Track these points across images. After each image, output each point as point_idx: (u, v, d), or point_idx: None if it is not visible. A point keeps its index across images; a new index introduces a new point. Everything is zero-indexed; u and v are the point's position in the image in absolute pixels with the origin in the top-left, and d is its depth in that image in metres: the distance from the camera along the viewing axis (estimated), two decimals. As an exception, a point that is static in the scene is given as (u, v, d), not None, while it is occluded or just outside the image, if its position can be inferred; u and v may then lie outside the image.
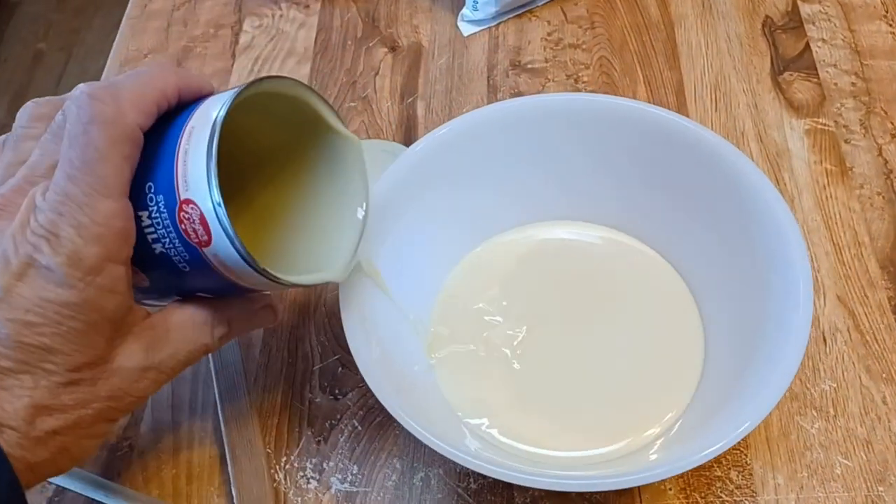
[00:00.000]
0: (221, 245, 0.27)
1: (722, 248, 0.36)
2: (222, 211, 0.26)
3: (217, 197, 0.26)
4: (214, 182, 0.26)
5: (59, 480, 0.37)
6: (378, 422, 0.38)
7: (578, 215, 0.40)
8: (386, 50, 0.53)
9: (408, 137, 0.49)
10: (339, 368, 0.40)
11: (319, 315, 0.42)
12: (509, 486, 0.35)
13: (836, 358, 0.38)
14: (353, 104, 0.50)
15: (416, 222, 0.37)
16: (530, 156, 0.38)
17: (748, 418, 0.28)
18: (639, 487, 0.35)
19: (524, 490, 0.35)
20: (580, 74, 0.50)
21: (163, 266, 0.29)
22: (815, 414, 0.37)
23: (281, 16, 0.56)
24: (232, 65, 0.53)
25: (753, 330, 0.33)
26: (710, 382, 0.35)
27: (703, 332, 0.36)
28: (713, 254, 0.36)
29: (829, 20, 0.50)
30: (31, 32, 1.72)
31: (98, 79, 0.41)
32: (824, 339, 0.39)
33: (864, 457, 0.36)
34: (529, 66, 0.51)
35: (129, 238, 0.27)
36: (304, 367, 0.40)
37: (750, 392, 0.30)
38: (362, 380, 0.39)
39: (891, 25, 0.50)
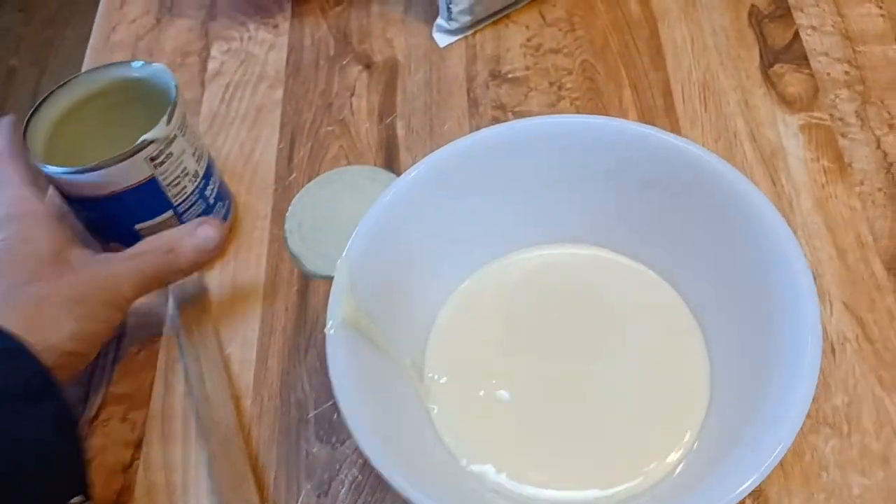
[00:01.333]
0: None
1: (725, 273, 0.34)
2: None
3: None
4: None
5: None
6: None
7: (574, 237, 0.38)
8: (360, 67, 0.51)
9: (389, 160, 0.47)
10: (335, 415, 0.39)
11: (311, 358, 0.40)
12: (518, 532, 0.34)
13: (847, 370, 0.37)
14: (330, 128, 0.49)
15: (403, 261, 0.36)
16: (522, 180, 0.37)
17: (758, 466, 0.27)
18: (652, 523, 0.34)
19: (534, 534, 0.34)
20: (563, 81, 0.48)
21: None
22: (829, 431, 0.36)
23: (250, 38, 0.54)
24: (202, 94, 0.51)
25: (761, 360, 0.31)
26: (721, 406, 0.33)
27: (709, 359, 0.35)
28: (716, 278, 0.35)
29: (817, 5, 0.49)
30: (1, 48, 1.68)
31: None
32: (833, 351, 0.37)
33: (881, 474, 0.34)
34: (510, 75, 0.49)
35: None
36: (298, 416, 0.39)
37: (766, 425, 0.28)
38: (359, 426, 0.38)
39: (881, 7, 0.48)
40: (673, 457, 0.33)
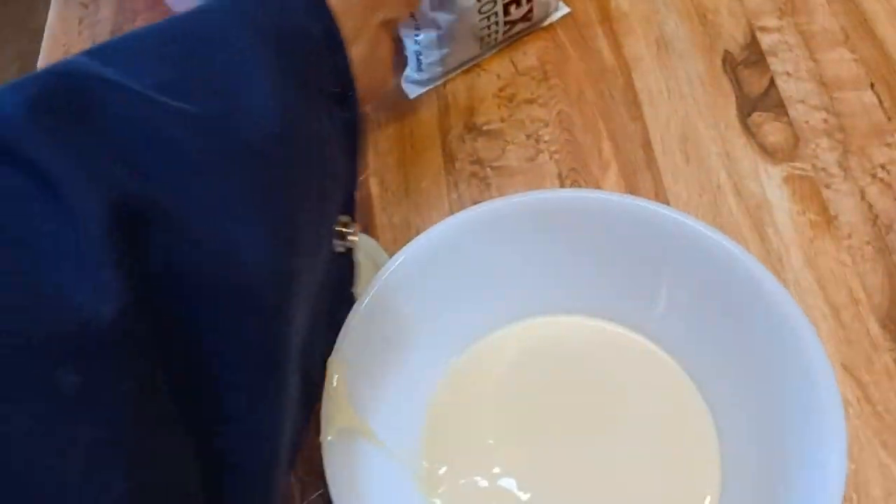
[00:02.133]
0: None
1: (736, 356, 0.33)
2: None
3: None
4: None
5: None
6: (375, 568, 0.34)
7: (571, 308, 0.37)
8: (327, 122, 0.49)
9: (365, 220, 0.45)
10: (324, 506, 0.36)
11: (293, 444, 0.38)
12: None
13: (851, 436, 0.36)
14: (299, 188, 0.46)
15: (394, 349, 0.34)
16: (518, 254, 0.35)
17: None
18: None
19: None
20: (540, 133, 0.47)
21: None
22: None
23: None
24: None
25: (776, 457, 0.30)
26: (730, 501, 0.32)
27: (719, 445, 0.34)
28: (726, 360, 0.34)
29: (790, 50, 0.48)
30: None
31: None
32: (835, 414, 0.37)
33: (894, 545, 0.34)
34: (485, 127, 0.47)
35: None
36: (284, 510, 0.36)
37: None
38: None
39: (853, 52, 0.48)
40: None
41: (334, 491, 0.28)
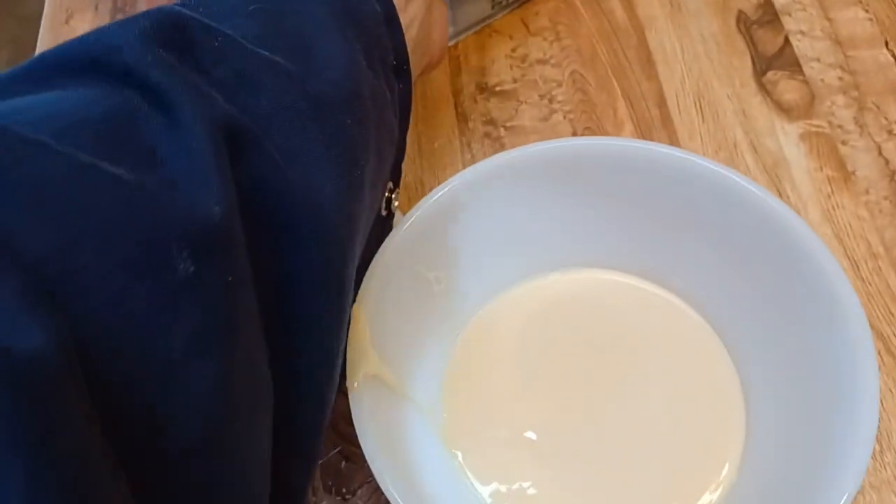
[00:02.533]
0: None
1: (762, 305, 0.33)
2: None
3: None
4: None
5: None
6: (397, 521, 0.34)
7: (594, 261, 0.37)
8: (338, 83, 0.48)
9: (376, 181, 0.44)
10: (343, 462, 0.36)
11: (311, 401, 0.38)
12: (554, 580, 0.32)
13: (873, 386, 0.36)
14: (310, 149, 0.46)
15: (417, 297, 0.34)
16: (544, 204, 0.35)
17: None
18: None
19: (570, 582, 0.32)
20: (553, 94, 0.46)
21: None
22: (860, 451, 0.35)
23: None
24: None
25: (804, 406, 0.30)
26: (753, 468, 0.32)
27: (744, 396, 0.33)
28: (752, 309, 0.33)
29: (804, 9, 0.48)
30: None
31: None
32: (856, 367, 0.36)
33: (917, 493, 0.34)
34: (498, 88, 0.47)
35: None
36: (303, 466, 0.36)
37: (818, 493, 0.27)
38: (370, 473, 0.35)
39: (867, 11, 0.47)
40: (708, 497, 0.32)
41: (361, 434, 0.28)
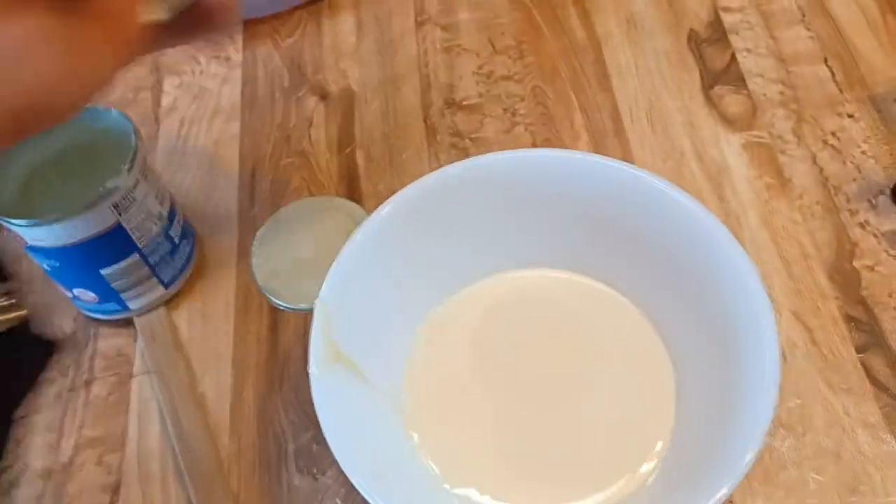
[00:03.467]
0: None
1: (689, 295, 0.36)
2: None
3: None
4: None
5: None
6: (362, 499, 0.37)
7: (543, 262, 0.40)
8: (316, 98, 0.52)
9: (351, 189, 0.48)
10: (315, 446, 0.39)
11: (286, 391, 0.41)
12: (502, 550, 0.36)
13: (798, 373, 0.39)
14: (290, 160, 0.49)
15: (378, 294, 0.37)
16: (490, 211, 0.38)
17: (725, 482, 0.29)
18: (628, 532, 0.36)
19: (517, 551, 0.35)
20: (516, 107, 0.50)
21: None
22: (785, 432, 0.38)
23: (202, 72, 0.54)
24: (157, 130, 0.51)
25: (725, 374, 0.33)
26: (686, 429, 0.35)
27: (675, 374, 0.37)
28: (681, 300, 0.37)
29: (751, 28, 0.51)
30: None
31: None
32: (784, 356, 0.40)
33: (834, 470, 0.37)
34: (465, 102, 0.50)
35: None
36: (277, 450, 0.39)
37: (723, 455, 0.30)
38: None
39: (809, 30, 0.51)
40: (646, 468, 0.35)
41: (322, 417, 0.31)
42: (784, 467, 0.37)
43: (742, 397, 0.31)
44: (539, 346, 0.39)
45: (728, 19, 0.52)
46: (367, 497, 0.30)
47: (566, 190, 0.38)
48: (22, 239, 0.37)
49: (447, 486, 0.35)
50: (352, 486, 0.38)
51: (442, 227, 0.38)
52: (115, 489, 0.39)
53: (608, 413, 0.37)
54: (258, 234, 0.46)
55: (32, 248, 0.38)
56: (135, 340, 0.43)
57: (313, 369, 0.32)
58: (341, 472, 0.38)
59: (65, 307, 0.45)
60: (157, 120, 0.52)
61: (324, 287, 0.34)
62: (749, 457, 0.29)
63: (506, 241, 0.40)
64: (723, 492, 0.29)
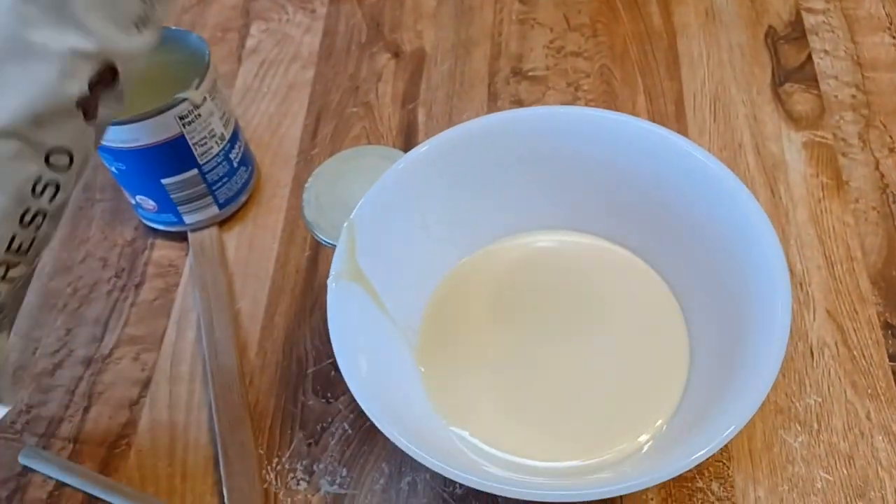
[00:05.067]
0: None
1: (706, 258, 0.36)
2: None
3: None
4: None
5: (57, 475, 0.38)
6: (368, 426, 0.39)
7: (566, 224, 0.40)
8: (389, 55, 0.53)
9: (408, 143, 0.49)
10: (332, 372, 0.41)
11: (315, 319, 0.43)
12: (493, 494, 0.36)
13: (823, 372, 0.38)
14: (354, 109, 0.51)
15: (408, 230, 0.38)
16: (522, 167, 0.39)
17: (724, 430, 0.29)
18: (621, 498, 0.36)
19: (508, 498, 0.36)
20: (581, 83, 0.50)
21: None
22: (799, 428, 0.37)
23: (288, 20, 0.56)
24: (238, 69, 0.54)
25: (735, 339, 0.33)
26: (693, 392, 0.35)
27: (689, 339, 0.37)
28: (698, 264, 0.37)
29: (832, 31, 0.50)
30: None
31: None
32: (812, 354, 0.39)
33: (845, 472, 0.36)
34: (531, 73, 0.51)
35: None
36: (297, 371, 0.41)
37: (728, 404, 0.30)
38: (354, 384, 0.40)
39: (894, 38, 0.49)
40: (643, 437, 0.35)
41: (332, 326, 0.33)
42: (793, 462, 0.36)
43: (752, 342, 0.31)
44: (554, 305, 0.39)
45: (810, 20, 0.51)
46: (358, 399, 0.31)
47: (591, 148, 0.38)
48: None
49: (443, 423, 0.36)
50: (360, 412, 0.39)
51: (474, 178, 0.39)
52: (146, 384, 0.41)
53: (616, 379, 0.37)
54: (314, 173, 0.48)
55: (103, 149, 0.41)
56: (185, 255, 0.46)
57: (332, 283, 0.34)
58: (352, 398, 0.40)
59: (128, 216, 0.48)
60: (239, 59, 0.55)
61: (355, 209, 0.35)
62: (758, 395, 0.29)
63: (532, 202, 0.40)
64: (730, 430, 0.28)
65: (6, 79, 0.23)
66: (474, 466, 0.33)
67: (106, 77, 0.26)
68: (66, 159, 0.26)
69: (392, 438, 0.30)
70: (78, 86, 0.25)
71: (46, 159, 0.25)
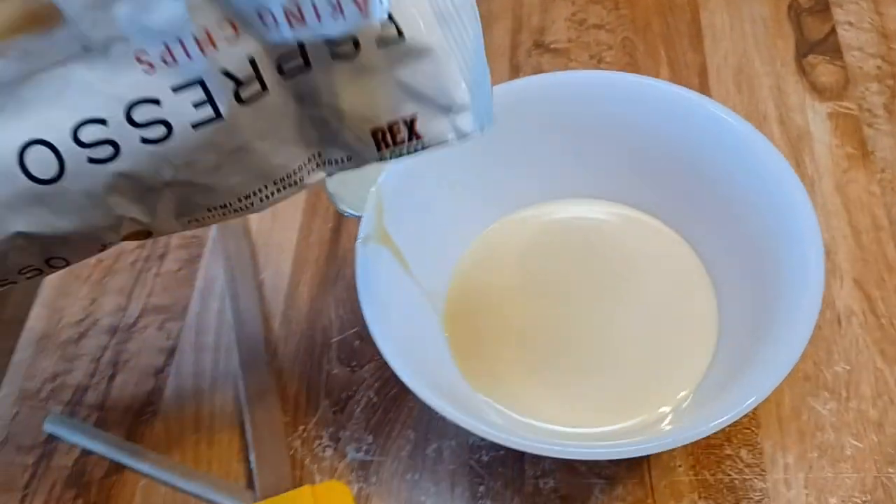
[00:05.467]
0: None
1: (736, 226, 0.36)
2: None
3: None
4: None
5: (84, 442, 0.39)
6: (393, 394, 0.39)
7: (594, 192, 0.40)
8: (410, 29, 0.53)
9: (429, 116, 0.49)
10: (357, 341, 0.41)
11: (339, 289, 0.43)
12: (520, 460, 0.36)
13: (851, 341, 0.38)
14: (376, 82, 0.51)
15: (435, 196, 0.38)
16: (549, 132, 0.39)
17: (753, 393, 0.29)
18: (648, 464, 0.36)
19: (535, 463, 0.36)
20: (603, 55, 0.50)
21: None
22: (828, 395, 0.37)
23: None
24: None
25: (766, 307, 0.33)
26: (723, 358, 0.35)
27: (718, 308, 0.37)
28: (728, 231, 0.36)
29: (856, 2, 0.50)
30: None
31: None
32: (839, 322, 0.39)
33: (874, 438, 0.36)
34: (553, 46, 0.51)
35: None
36: (322, 340, 0.41)
37: (759, 368, 0.30)
38: (379, 353, 0.40)
39: (920, 9, 0.49)
40: (666, 408, 0.35)
41: (361, 287, 0.33)
42: (822, 429, 0.36)
43: (784, 309, 0.31)
44: (581, 273, 0.39)
45: (834, -8, 0.51)
46: (388, 360, 0.31)
47: (621, 112, 0.38)
48: None
49: (470, 387, 0.36)
50: (385, 380, 0.39)
51: (501, 145, 0.38)
52: (171, 353, 0.42)
53: (647, 340, 0.37)
54: (336, 145, 0.48)
55: None
56: (209, 226, 0.46)
57: (360, 246, 0.33)
58: (378, 367, 0.40)
59: (150, 188, 0.48)
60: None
61: (382, 174, 0.35)
62: (780, 371, 0.29)
63: (561, 169, 0.40)
64: (751, 401, 0.28)
65: None
66: (503, 429, 0.33)
67: (140, 237, 0.27)
68: (63, 263, 0.27)
69: (424, 398, 0.30)
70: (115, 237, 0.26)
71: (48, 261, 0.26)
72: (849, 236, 0.41)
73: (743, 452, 0.36)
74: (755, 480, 0.35)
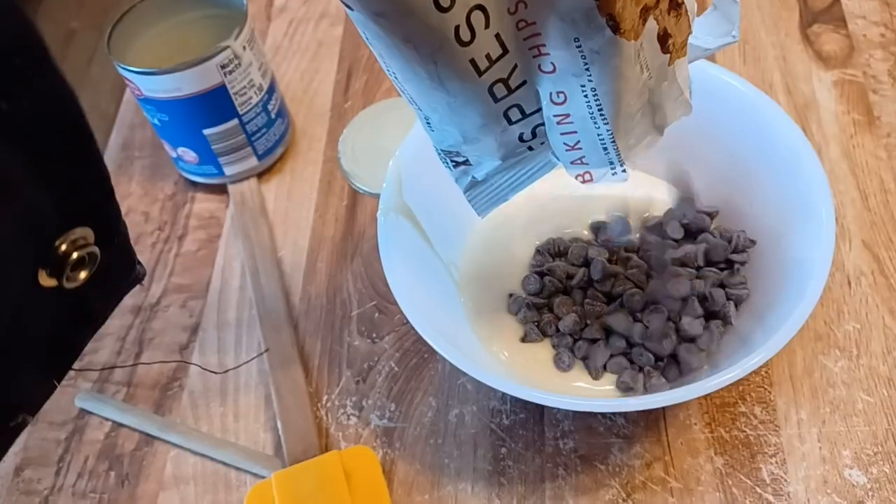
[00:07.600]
0: None
1: (748, 191, 0.37)
2: None
3: None
4: None
5: (114, 416, 0.40)
6: (414, 363, 0.40)
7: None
8: (417, 10, 0.54)
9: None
10: (376, 314, 0.42)
11: (356, 264, 0.44)
12: (540, 421, 0.37)
13: (861, 300, 0.39)
14: (386, 63, 0.52)
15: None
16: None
17: (763, 351, 0.30)
18: (665, 422, 0.36)
19: (554, 425, 0.37)
20: (609, 30, 0.51)
21: None
22: (839, 353, 0.38)
23: (315, -22, 0.57)
24: (268, 27, 0.55)
25: (776, 267, 0.34)
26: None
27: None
28: (743, 196, 0.37)
29: (858, -28, 0.51)
30: (63, 11, 1.74)
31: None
32: (849, 283, 0.40)
33: (885, 393, 0.36)
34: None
35: None
36: (342, 314, 0.42)
37: (772, 325, 0.31)
38: (398, 324, 0.41)
39: (921, -24, 0.50)
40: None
41: (385, 258, 0.34)
42: (834, 386, 0.37)
43: (793, 276, 0.32)
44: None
45: (836, -38, 0.51)
46: (413, 323, 0.32)
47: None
48: (138, 89, 0.41)
49: (487, 350, 0.37)
50: (405, 350, 0.40)
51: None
52: (195, 330, 0.42)
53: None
54: (348, 124, 0.49)
55: (146, 100, 0.42)
56: (226, 206, 0.47)
57: (381, 217, 0.34)
58: (398, 337, 0.41)
59: (168, 172, 0.49)
60: (268, 18, 0.55)
61: (400, 148, 0.36)
62: (792, 325, 0.30)
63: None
64: (757, 360, 0.29)
65: None
66: (527, 387, 0.34)
67: None
68: None
69: (449, 358, 0.31)
70: None
71: None
72: (857, 200, 0.42)
73: (757, 409, 0.37)
74: (769, 436, 0.36)
